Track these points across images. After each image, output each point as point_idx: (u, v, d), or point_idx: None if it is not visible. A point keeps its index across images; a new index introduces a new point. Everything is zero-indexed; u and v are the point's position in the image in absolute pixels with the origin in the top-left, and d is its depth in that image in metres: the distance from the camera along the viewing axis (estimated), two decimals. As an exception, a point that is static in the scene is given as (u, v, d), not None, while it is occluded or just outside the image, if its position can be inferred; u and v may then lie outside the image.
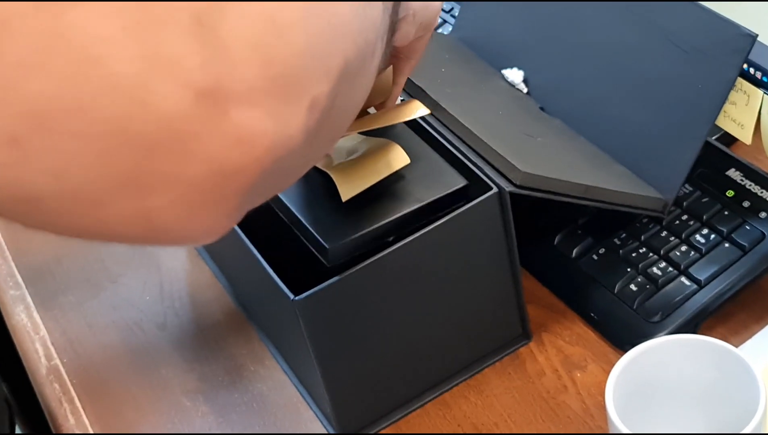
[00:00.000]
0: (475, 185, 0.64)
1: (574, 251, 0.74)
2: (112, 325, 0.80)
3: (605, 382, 0.67)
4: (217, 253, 0.82)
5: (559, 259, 0.74)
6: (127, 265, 0.85)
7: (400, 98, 0.67)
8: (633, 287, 0.69)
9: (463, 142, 0.67)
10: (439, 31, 0.95)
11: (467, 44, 0.84)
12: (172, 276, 0.84)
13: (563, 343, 0.70)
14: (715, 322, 0.69)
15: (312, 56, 0.31)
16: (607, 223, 0.73)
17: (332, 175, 0.61)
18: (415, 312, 0.64)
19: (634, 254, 0.71)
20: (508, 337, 0.70)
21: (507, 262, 0.65)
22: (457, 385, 0.69)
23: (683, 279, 0.69)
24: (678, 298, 0.68)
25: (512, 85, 0.80)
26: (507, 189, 0.62)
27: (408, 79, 0.71)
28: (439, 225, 0.61)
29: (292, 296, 0.60)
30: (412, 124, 0.69)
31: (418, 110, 0.61)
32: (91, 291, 0.84)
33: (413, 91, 0.72)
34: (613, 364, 0.68)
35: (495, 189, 0.62)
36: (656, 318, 0.68)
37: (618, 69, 0.73)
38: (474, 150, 0.66)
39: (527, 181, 0.62)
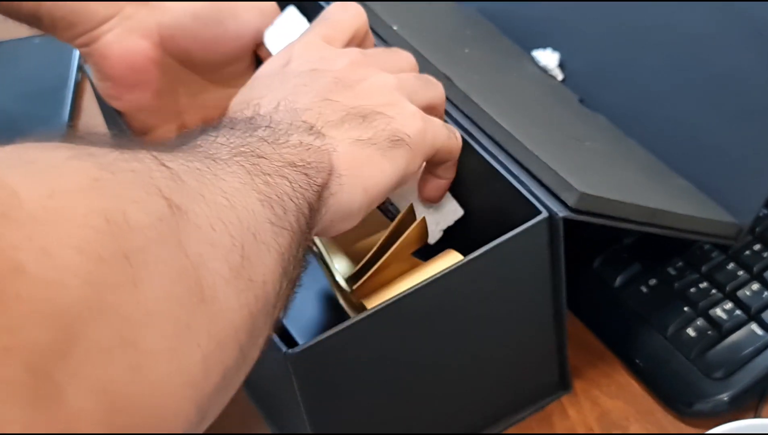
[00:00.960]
0: (516, 205, 0.51)
1: (618, 280, 0.61)
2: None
3: (652, 449, 0.55)
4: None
5: (599, 288, 0.62)
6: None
7: None
8: (691, 332, 0.57)
9: (500, 147, 0.53)
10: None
11: (488, 17, 0.69)
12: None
13: (600, 393, 0.58)
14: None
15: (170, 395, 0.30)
16: (659, 245, 0.59)
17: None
18: (433, 364, 0.53)
19: (693, 289, 0.59)
20: (542, 387, 0.57)
21: (550, 302, 0.54)
22: (473, 443, 0.56)
23: (754, 326, 0.57)
24: (747, 351, 0.57)
25: (545, 71, 0.66)
26: (560, 214, 0.49)
27: (428, 61, 0.57)
28: (472, 259, 0.48)
29: (284, 349, 0.46)
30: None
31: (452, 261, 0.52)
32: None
33: (437, 80, 0.57)
34: (662, 427, 0.56)
35: (545, 213, 0.49)
36: (718, 374, 0.55)
37: (684, 59, 0.61)
38: (515, 159, 0.52)
39: (584, 203, 0.50)
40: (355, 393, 0.51)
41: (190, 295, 0.32)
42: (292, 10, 0.62)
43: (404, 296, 0.48)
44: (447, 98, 0.57)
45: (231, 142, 0.41)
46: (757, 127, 0.57)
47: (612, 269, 0.62)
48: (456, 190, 0.59)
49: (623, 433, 0.57)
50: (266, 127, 0.44)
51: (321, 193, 0.43)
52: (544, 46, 0.69)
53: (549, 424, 0.58)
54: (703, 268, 0.61)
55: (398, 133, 0.48)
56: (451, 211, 0.60)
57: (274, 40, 0.60)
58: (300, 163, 0.42)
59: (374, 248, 0.54)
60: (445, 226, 0.60)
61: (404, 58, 0.55)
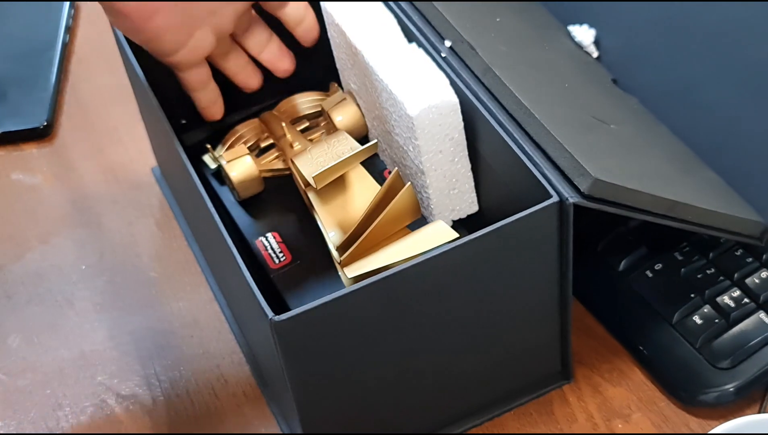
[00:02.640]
0: (528, 187, 0.49)
1: (623, 264, 0.59)
2: (37, 298, 0.64)
3: (654, 439, 0.53)
4: (189, 222, 0.66)
5: (603, 271, 0.60)
6: (63, 220, 0.69)
7: None
8: (697, 319, 0.55)
9: (518, 124, 0.52)
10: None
11: None
12: (116, 240, 0.67)
13: (602, 380, 0.57)
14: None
15: None
16: (666, 228, 0.57)
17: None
18: (431, 339, 0.53)
19: (700, 275, 0.58)
20: (543, 375, 0.56)
21: (556, 288, 0.53)
22: (469, 428, 0.53)
23: (762, 315, 0.56)
24: (754, 341, 0.56)
25: (580, 47, 0.64)
26: (571, 199, 0.47)
27: (455, 29, 0.55)
28: (477, 238, 0.47)
29: (270, 315, 0.44)
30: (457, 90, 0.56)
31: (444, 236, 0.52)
32: (14, 251, 0.67)
33: (460, 48, 0.55)
34: (664, 417, 0.56)
35: (555, 197, 0.47)
36: (725, 363, 0.54)
37: (722, 43, 0.61)
38: (531, 137, 0.51)
39: (598, 190, 0.48)
40: (343, 366, 0.51)
41: None
42: None
43: (398, 272, 0.48)
44: (469, 68, 0.56)
45: None
46: None
47: (616, 252, 0.61)
48: (474, 169, 0.57)
49: (624, 421, 0.55)
50: None
51: None
52: (581, 21, 0.67)
53: (548, 411, 0.57)
54: (711, 254, 0.60)
55: None
56: (468, 204, 0.58)
57: (335, 4, 0.62)
58: None
59: (362, 216, 0.53)
60: (457, 218, 0.58)
61: None
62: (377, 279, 0.47)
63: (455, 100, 0.55)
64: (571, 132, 0.53)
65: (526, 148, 0.52)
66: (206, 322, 0.63)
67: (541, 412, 0.57)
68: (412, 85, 0.56)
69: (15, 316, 0.65)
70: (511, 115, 0.54)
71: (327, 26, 0.64)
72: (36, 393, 0.61)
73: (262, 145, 0.65)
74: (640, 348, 0.58)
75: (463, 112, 0.56)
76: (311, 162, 0.60)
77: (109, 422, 0.59)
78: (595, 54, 0.67)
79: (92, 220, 0.70)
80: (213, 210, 0.52)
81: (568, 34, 0.67)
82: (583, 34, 0.67)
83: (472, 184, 0.59)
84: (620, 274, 0.61)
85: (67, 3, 0.85)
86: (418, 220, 0.57)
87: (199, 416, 0.59)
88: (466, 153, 0.57)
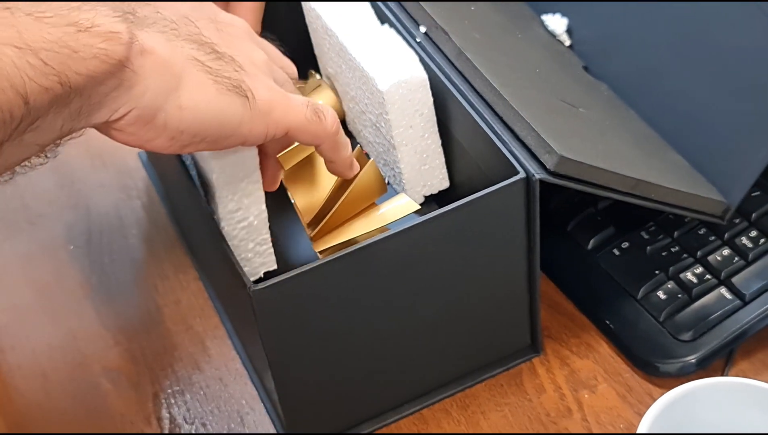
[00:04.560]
0: (496, 164, 0.51)
1: (591, 242, 0.62)
2: (25, 279, 0.66)
3: (617, 408, 0.55)
4: (174, 207, 0.68)
5: (572, 250, 0.62)
6: (51, 203, 0.71)
7: None
8: (661, 295, 0.58)
9: (487, 105, 0.54)
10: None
11: None
12: (103, 222, 0.69)
13: (570, 353, 0.59)
14: (755, 344, 0.57)
15: None
16: (633, 209, 0.60)
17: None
18: (402, 312, 0.55)
19: (664, 253, 0.60)
20: (513, 348, 0.58)
21: (524, 263, 0.55)
22: (441, 399, 0.55)
23: (723, 290, 0.58)
24: (715, 314, 0.58)
25: (553, 36, 0.66)
26: (537, 176, 0.49)
27: (429, 16, 0.57)
28: (445, 212, 0.48)
29: (249, 284, 0.46)
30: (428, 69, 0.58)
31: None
32: (3, 232, 0.69)
33: (435, 34, 0.57)
34: (629, 387, 0.58)
35: (522, 173, 0.49)
36: (687, 336, 0.57)
37: (686, 31, 0.63)
38: (500, 117, 0.54)
39: (563, 167, 0.50)
40: (316, 337, 0.53)
41: None
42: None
43: (367, 245, 0.49)
44: (443, 53, 0.58)
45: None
46: (752, 106, 0.59)
47: (585, 232, 0.63)
48: (446, 147, 0.59)
49: (590, 391, 0.57)
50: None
51: (87, 77, 0.41)
52: (553, 11, 0.70)
53: (518, 382, 0.59)
54: (676, 233, 0.62)
55: (244, 85, 0.46)
56: (439, 179, 0.60)
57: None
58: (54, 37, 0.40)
59: (328, 193, 0.55)
60: (428, 193, 0.60)
61: (290, 64, 0.55)
62: (347, 252, 0.49)
63: (424, 75, 0.58)
64: (539, 113, 0.55)
65: (495, 127, 0.55)
66: (189, 300, 0.65)
67: (510, 383, 0.59)
68: (382, 62, 0.58)
69: (4, 296, 0.67)
70: (481, 96, 0.56)
71: (305, 13, 0.66)
72: (24, 368, 0.63)
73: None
74: (607, 322, 0.60)
75: (435, 92, 0.58)
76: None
77: (95, 395, 0.61)
78: (567, 42, 0.69)
79: (80, 202, 0.72)
80: (198, 190, 0.54)
81: (542, 23, 0.69)
82: (556, 23, 0.69)
83: (443, 160, 0.61)
84: (589, 253, 0.63)
85: None
86: (389, 195, 0.59)
87: (184, 390, 0.61)
88: (436, 129, 0.60)
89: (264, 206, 0.54)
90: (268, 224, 0.55)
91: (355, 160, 0.55)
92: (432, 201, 0.62)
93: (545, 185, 0.52)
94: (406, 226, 0.50)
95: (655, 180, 0.56)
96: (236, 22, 0.51)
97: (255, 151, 0.52)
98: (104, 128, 0.45)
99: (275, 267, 0.56)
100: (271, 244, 0.55)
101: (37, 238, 0.70)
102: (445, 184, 0.62)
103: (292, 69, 0.55)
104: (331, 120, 0.50)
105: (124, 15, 0.43)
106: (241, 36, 0.50)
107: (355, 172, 0.55)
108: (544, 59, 0.65)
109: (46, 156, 0.45)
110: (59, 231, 0.70)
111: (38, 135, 0.42)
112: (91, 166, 0.74)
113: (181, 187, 0.60)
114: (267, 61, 0.50)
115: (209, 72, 0.45)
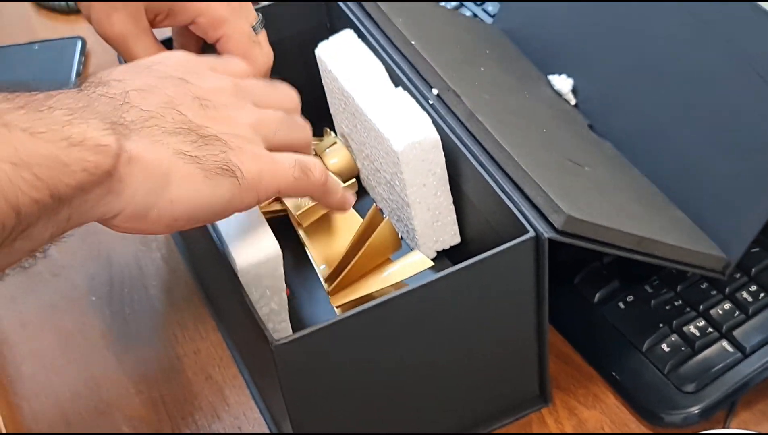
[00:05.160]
0: (506, 222, 0.53)
1: (597, 296, 0.64)
2: (49, 328, 0.68)
3: (625, 459, 0.57)
4: (193, 259, 0.70)
5: (579, 303, 0.64)
6: (74, 254, 0.73)
7: None
8: (665, 347, 0.59)
9: (498, 165, 0.56)
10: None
11: (511, 37, 0.72)
12: (124, 272, 0.71)
13: (577, 404, 0.61)
14: (756, 395, 0.59)
15: None
16: (638, 263, 0.62)
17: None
18: (416, 364, 0.57)
19: (668, 307, 0.62)
20: (522, 398, 0.60)
21: (533, 316, 0.57)
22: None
23: (725, 343, 0.60)
24: (718, 367, 0.60)
25: (559, 95, 0.69)
26: (546, 235, 0.51)
27: (441, 78, 0.60)
28: (458, 270, 0.51)
29: (272, 339, 0.49)
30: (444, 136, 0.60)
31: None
32: (27, 283, 0.71)
33: (446, 95, 0.60)
34: None
35: (531, 232, 0.52)
36: (690, 387, 0.58)
37: (687, 92, 0.65)
38: (510, 177, 0.56)
39: (571, 226, 0.53)
40: (335, 388, 0.55)
41: None
42: (348, 33, 0.65)
43: (384, 302, 0.51)
44: (455, 114, 0.60)
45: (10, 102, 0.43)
46: (751, 165, 0.61)
47: (591, 285, 0.65)
48: (457, 204, 0.62)
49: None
50: (65, 108, 0.44)
51: (76, 188, 0.43)
52: (560, 71, 0.72)
53: (527, 431, 0.60)
54: (679, 287, 0.64)
55: (230, 164, 0.48)
56: (450, 235, 0.63)
57: (328, 53, 0.64)
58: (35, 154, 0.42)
59: (346, 249, 0.57)
60: (440, 249, 0.63)
61: (285, 94, 0.56)
62: (366, 307, 0.51)
63: (437, 136, 0.60)
64: (547, 173, 0.58)
65: (505, 187, 0.57)
66: (208, 349, 0.68)
67: (520, 430, 0.61)
68: (397, 124, 0.61)
69: (29, 345, 0.69)
70: (492, 157, 0.59)
71: (321, 73, 0.69)
72: (48, 413, 0.65)
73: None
74: (613, 374, 0.62)
75: (447, 152, 0.61)
76: (299, 201, 0.64)
77: (117, 443, 0.63)
78: (573, 101, 0.71)
79: (102, 254, 0.74)
80: (218, 241, 0.57)
81: (548, 83, 0.72)
82: (562, 83, 0.72)
83: (454, 217, 0.64)
84: (595, 306, 0.65)
85: (78, 50, 0.89)
86: (404, 251, 0.62)
87: (202, 437, 0.63)
88: (448, 187, 0.62)
89: (284, 294, 0.57)
90: (287, 308, 0.58)
91: (347, 195, 0.57)
92: (444, 256, 0.64)
93: (553, 242, 0.55)
94: (422, 283, 0.52)
95: (659, 237, 0.58)
96: (219, 80, 0.53)
97: (279, 252, 0.55)
98: (101, 222, 0.48)
99: None
100: (288, 322, 0.58)
101: (61, 289, 0.72)
102: (457, 239, 0.64)
103: (289, 95, 0.57)
104: (319, 173, 0.53)
105: (113, 126, 0.45)
106: (226, 101, 0.51)
107: (349, 207, 0.58)
108: (551, 118, 0.68)
109: (35, 257, 0.46)
110: (82, 281, 0.73)
111: (28, 242, 0.43)
112: (112, 218, 0.77)
113: (201, 243, 0.62)
114: (253, 123, 0.51)
115: (196, 161, 0.47)
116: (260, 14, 0.63)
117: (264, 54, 0.63)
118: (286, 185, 0.51)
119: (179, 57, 0.54)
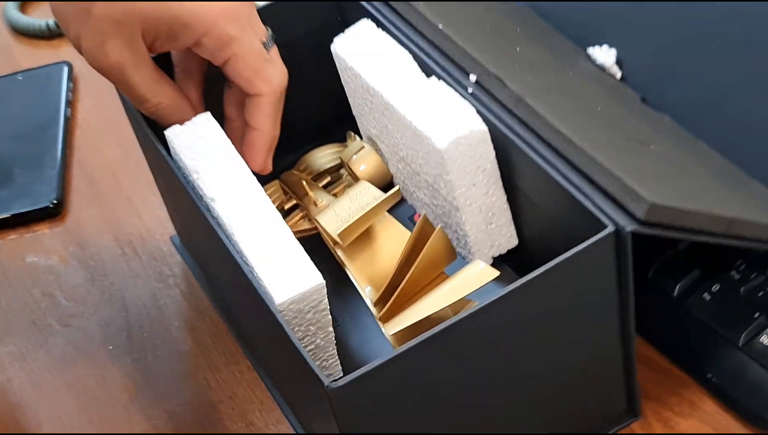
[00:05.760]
0: (575, 217, 0.46)
1: (677, 288, 0.56)
2: (65, 386, 0.61)
3: (736, 472, 0.50)
4: (217, 293, 0.63)
5: (657, 298, 0.57)
6: (83, 300, 0.66)
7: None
8: (765, 340, 0.52)
9: (557, 152, 0.49)
10: None
11: (540, 13, 0.65)
12: (142, 315, 0.64)
13: (672, 414, 0.53)
14: None
15: None
16: (718, 248, 0.54)
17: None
18: (491, 390, 0.50)
19: (761, 293, 0.55)
20: (609, 415, 0.52)
21: (617, 322, 0.50)
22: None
23: (834, 330, 0.52)
24: None
25: (602, 69, 0.61)
26: (628, 228, 0.44)
27: (479, 63, 0.52)
28: (534, 278, 0.44)
29: (327, 382, 0.42)
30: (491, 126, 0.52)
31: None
32: (36, 337, 0.64)
33: (487, 81, 0.53)
34: None
35: (611, 226, 0.44)
36: (801, 383, 0.50)
37: (754, 51, 0.57)
38: (573, 165, 0.48)
39: (655, 215, 0.45)
40: (400, 425, 0.47)
41: None
42: (365, 23, 0.58)
43: (454, 324, 0.44)
44: (499, 101, 0.54)
45: None
46: None
47: (669, 278, 0.58)
48: (511, 201, 0.54)
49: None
50: None
51: None
52: (599, 42, 0.65)
53: (619, 452, 0.53)
54: None
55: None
56: (507, 238, 0.55)
57: (346, 48, 0.58)
58: None
59: (395, 267, 0.50)
60: (497, 254, 0.55)
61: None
62: (430, 335, 0.44)
63: (484, 128, 0.53)
64: (614, 156, 0.50)
65: (570, 177, 0.50)
66: (245, 392, 0.60)
67: (611, 455, 0.54)
68: (437, 119, 0.53)
69: (45, 406, 0.62)
70: (549, 145, 0.51)
71: (340, 72, 0.62)
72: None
73: (286, 207, 0.63)
74: (708, 376, 0.55)
75: (496, 145, 0.54)
76: (335, 218, 0.57)
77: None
78: (619, 74, 0.64)
79: (115, 296, 0.67)
80: (247, 271, 0.49)
81: (588, 57, 0.65)
82: (604, 55, 0.64)
83: (510, 216, 0.56)
84: (676, 300, 0.57)
85: (65, 77, 0.82)
86: (457, 262, 0.55)
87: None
88: (501, 184, 0.55)
89: (331, 328, 0.49)
90: (334, 341, 0.50)
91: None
92: (501, 262, 0.57)
93: (636, 235, 0.47)
94: (493, 298, 0.45)
95: (749, 217, 0.51)
96: None
97: (322, 283, 0.48)
98: None
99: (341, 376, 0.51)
100: (337, 357, 0.51)
101: (73, 340, 0.65)
102: (514, 242, 0.57)
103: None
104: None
105: None
106: None
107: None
108: (601, 96, 0.61)
109: None
110: (96, 330, 0.65)
111: None
112: (122, 256, 0.69)
113: (225, 273, 0.55)
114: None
115: None
116: (269, 28, 0.56)
117: (278, 73, 0.55)
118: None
119: None
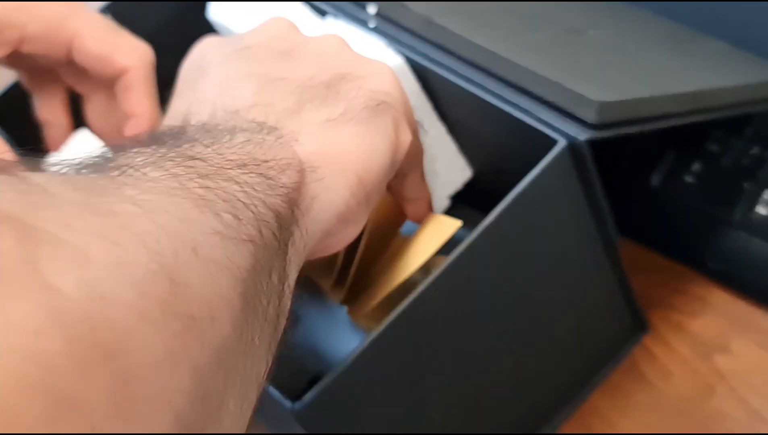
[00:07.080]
0: (521, 137, 0.40)
1: (654, 178, 0.50)
2: None
3: (766, 361, 0.44)
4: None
5: (636, 193, 0.51)
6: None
7: None
8: (761, 210, 0.46)
9: (484, 70, 0.42)
10: None
11: None
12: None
13: (681, 316, 0.47)
14: None
15: None
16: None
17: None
18: (482, 348, 0.44)
19: (744, 160, 0.48)
20: (615, 336, 0.48)
21: (596, 236, 0.45)
22: (560, 426, 0.46)
23: (833, 180, 0.46)
24: None
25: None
26: (581, 137, 0.38)
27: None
28: (500, 215, 0.40)
29: (289, 404, 0.36)
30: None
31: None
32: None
33: (390, 9, 0.47)
34: (766, 330, 0.45)
35: (562, 141, 0.38)
36: (812, 244, 0.45)
37: None
38: (505, 80, 0.42)
39: (608, 114, 0.39)
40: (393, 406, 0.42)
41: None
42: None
43: (418, 296, 0.38)
44: (406, 29, 0.47)
45: (154, 152, 0.29)
46: None
47: (643, 167, 0.52)
48: (452, 136, 0.49)
49: (725, 353, 0.47)
50: (203, 131, 0.33)
51: (293, 197, 0.32)
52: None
53: (638, 375, 0.48)
54: (748, 131, 0.50)
55: (376, 94, 0.37)
56: (459, 171, 0.49)
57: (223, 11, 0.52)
58: (251, 162, 0.31)
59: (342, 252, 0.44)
60: (452, 192, 0.49)
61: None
62: (398, 314, 0.38)
63: (400, 60, 0.47)
64: (548, 58, 0.44)
65: (504, 95, 0.43)
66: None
67: (629, 379, 0.48)
68: None
69: None
70: (472, 63, 0.45)
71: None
72: None
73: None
74: (709, 264, 0.49)
75: (417, 77, 0.47)
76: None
77: None
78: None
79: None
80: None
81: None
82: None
83: (455, 148, 0.50)
84: (657, 191, 0.52)
85: None
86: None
87: None
88: (435, 116, 0.49)
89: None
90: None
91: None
92: (460, 203, 0.51)
93: (594, 142, 0.41)
94: (461, 250, 0.39)
95: (712, 83, 0.45)
96: (263, 28, 0.41)
97: None
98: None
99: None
100: None
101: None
102: (468, 173, 0.50)
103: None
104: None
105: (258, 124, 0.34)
106: (294, 35, 0.41)
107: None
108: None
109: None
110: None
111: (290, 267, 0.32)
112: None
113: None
114: (338, 37, 0.41)
115: (348, 118, 0.36)
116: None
117: (139, 43, 0.47)
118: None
119: (211, 41, 0.42)
